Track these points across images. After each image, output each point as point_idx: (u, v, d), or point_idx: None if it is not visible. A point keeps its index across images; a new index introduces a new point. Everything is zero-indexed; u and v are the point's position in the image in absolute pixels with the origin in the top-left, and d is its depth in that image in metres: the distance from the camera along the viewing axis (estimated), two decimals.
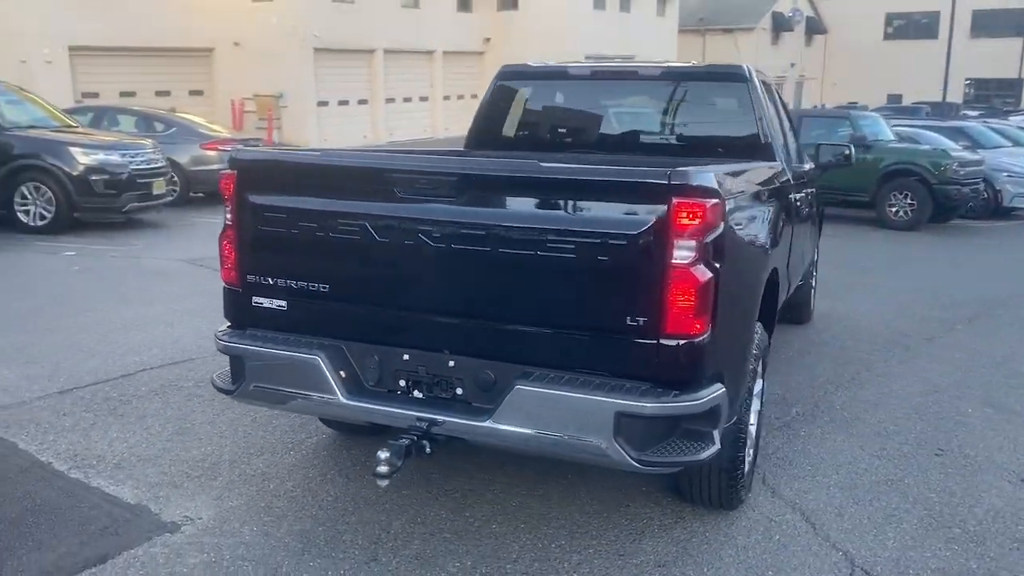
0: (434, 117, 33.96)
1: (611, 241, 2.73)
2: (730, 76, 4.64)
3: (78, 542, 3.21)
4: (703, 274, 2.71)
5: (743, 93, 4.57)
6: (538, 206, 2.82)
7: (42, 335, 5.88)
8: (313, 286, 3.15)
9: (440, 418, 2.94)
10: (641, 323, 2.74)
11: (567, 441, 2.79)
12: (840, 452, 4.34)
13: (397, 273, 3.02)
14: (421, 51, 32.58)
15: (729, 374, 3.00)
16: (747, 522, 3.57)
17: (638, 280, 2.72)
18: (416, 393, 3.09)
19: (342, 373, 3.08)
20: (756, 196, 3.51)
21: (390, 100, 31.55)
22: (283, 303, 3.21)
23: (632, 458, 2.73)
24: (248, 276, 3.25)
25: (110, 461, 3.93)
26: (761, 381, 3.86)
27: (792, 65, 47.93)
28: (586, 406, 2.75)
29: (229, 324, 3.36)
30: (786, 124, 5.39)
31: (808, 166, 6.12)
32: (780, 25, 46.29)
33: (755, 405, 3.84)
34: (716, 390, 2.86)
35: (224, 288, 3.34)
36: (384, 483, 2.85)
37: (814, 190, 6.18)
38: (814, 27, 49.94)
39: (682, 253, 2.68)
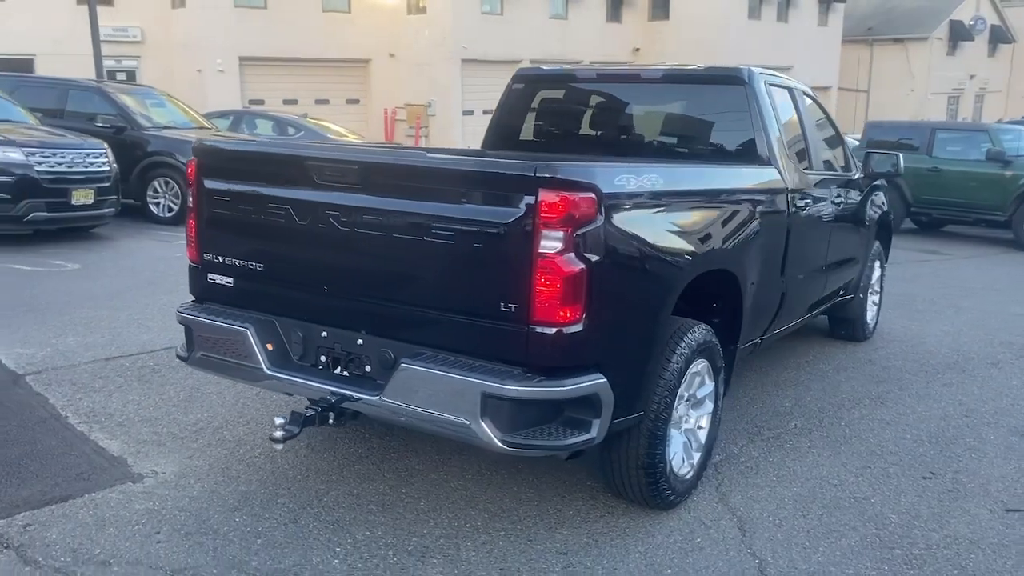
0: None
1: (486, 230, 2.86)
2: (728, 79, 4.58)
3: (53, 483, 3.65)
4: (571, 265, 2.78)
5: (740, 96, 4.51)
6: (424, 195, 2.98)
7: (117, 311, 6.54)
8: (251, 265, 3.44)
9: (343, 392, 3.14)
10: (513, 310, 2.84)
11: (441, 418, 2.93)
12: (817, 467, 4.20)
13: (314, 255, 3.26)
14: (567, 61, 32.87)
15: (616, 366, 3.03)
16: (676, 523, 3.56)
17: (509, 268, 2.82)
18: (336, 369, 3.31)
19: (268, 346, 3.35)
20: (686, 196, 3.50)
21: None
22: (230, 280, 3.52)
23: (497, 438, 2.83)
24: (204, 254, 3.59)
25: (116, 419, 4.39)
26: (713, 384, 3.82)
27: (971, 77, 44.80)
28: (456, 386, 2.88)
29: (192, 298, 3.71)
30: (815, 131, 5.22)
31: (857, 175, 5.92)
32: (959, 34, 43.34)
33: (705, 408, 3.81)
34: (591, 379, 2.92)
35: (188, 265, 3.69)
36: (279, 447, 3.09)
37: (863, 199, 5.95)
38: (999, 36, 46.41)
39: (548, 243, 2.76)
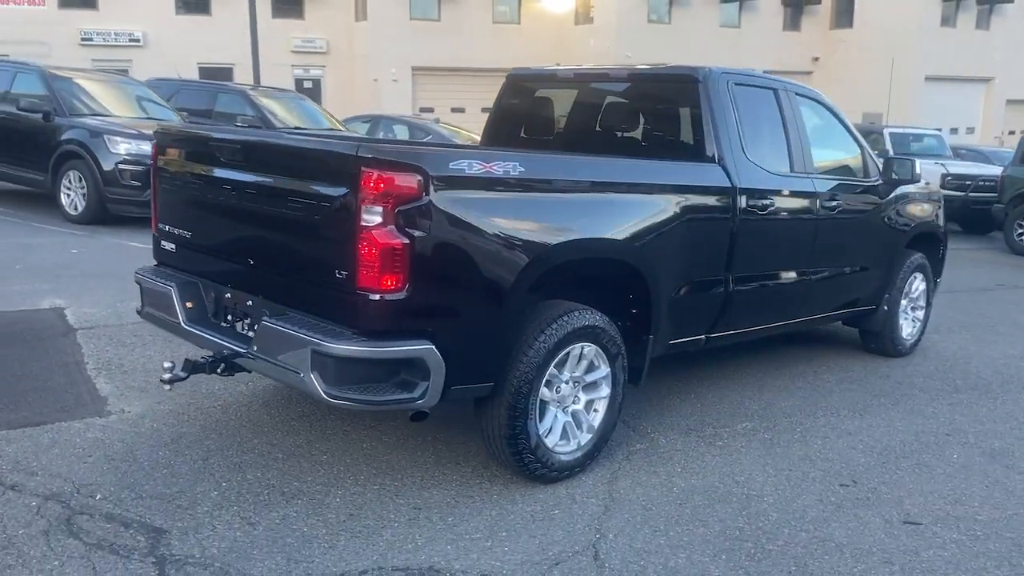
0: None
1: (323, 204, 3.22)
2: (682, 78, 4.65)
3: (39, 411, 4.35)
4: (390, 238, 3.07)
5: (694, 95, 4.57)
6: (280, 171, 3.39)
7: None
8: (183, 232, 3.98)
9: (229, 346, 3.60)
10: (344, 277, 3.17)
11: (284, 370, 3.31)
12: (734, 465, 4.20)
13: (218, 224, 3.75)
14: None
15: (449, 336, 3.27)
16: (547, 495, 3.72)
17: (341, 239, 3.16)
18: (237, 327, 3.78)
19: (188, 304, 3.86)
20: (555, 185, 3.65)
21: None
22: (172, 246, 4.08)
23: (322, 390, 3.18)
24: (159, 224, 4.17)
25: (123, 369, 5.09)
26: (609, 369, 3.94)
27: None
28: (294, 342, 3.25)
29: (155, 262, 4.31)
30: (807, 134, 5.13)
31: (877, 181, 5.74)
32: None
33: (600, 392, 3.94)
34: (415, 345, 3.19)
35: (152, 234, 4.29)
36: (167, 387, 3.59)
37: (884, 206, 5.74)
38: None
39: (369, 217, 3.07)
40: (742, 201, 4.56)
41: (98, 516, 3.34)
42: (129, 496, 3.51)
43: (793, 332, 6.04)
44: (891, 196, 5.86)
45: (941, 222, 6.57)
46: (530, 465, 3.71)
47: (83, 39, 26.73)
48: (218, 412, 4.49)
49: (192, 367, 3.57)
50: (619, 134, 4.98)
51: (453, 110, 30.17)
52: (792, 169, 5.03)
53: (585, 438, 3.94)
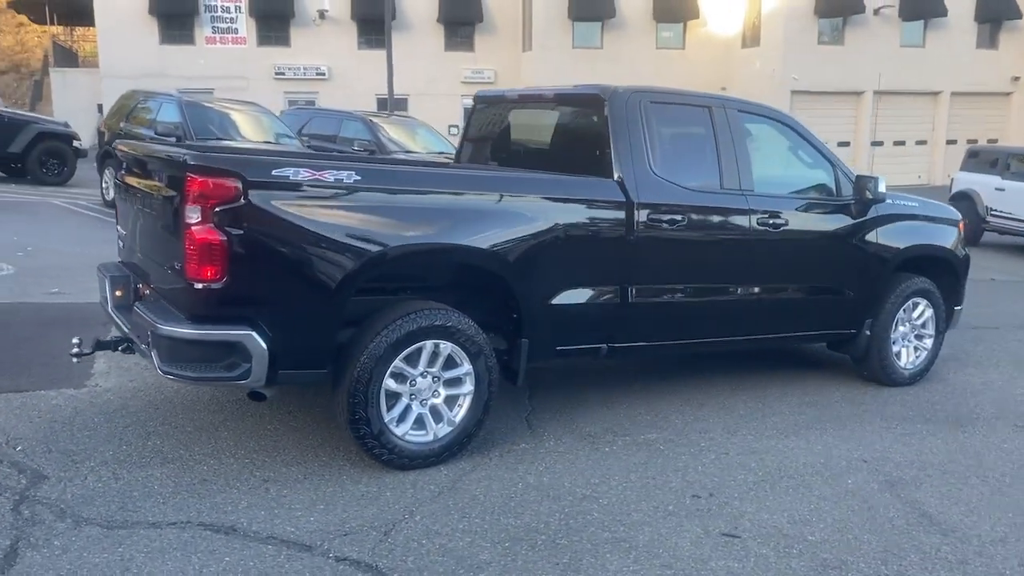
0: (933, 162, 31.28)
1: (168, 204, 3.78)
2: (589, 98, 4.84)
3: (28, 379, 5.18)
4: (207, 234, 3.56)
5: (600, 114, 4.75)
6: (151, 178, 3.98)
7: None
8: (121, 232, 4.68)
9: (124, 329, 4.22)
10: (179, 268, 3.70)
11: (144, 349, 3.87)
12: (599, 469, 4.31)
13: (132, 223, 4.40)
14: (922, 92, 30.32)
15: (273, 325, 3.70)
16: (388, 479, 4.03)
17: (177, 235, 3.69)
18: None
19: (118, 292, 4.53)
20: (395, 192, 3.97)
21: (877, 143, 30.03)
22: (121, 244, 4.80)
23: (158, 366, 3.71)
24: (117, 226, 4.91)
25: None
26: (471, 367, 4.20)
27: None
28: (144, 325, 3.81)
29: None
30: (745, 151, 5.11)
31: (850, 200, 5.59)
32: None
33: (463, 388, 4.20)
34: (235, 330, 3.65)
35: None
36: (75, 360, 4.26)
37: (858, 226, 5.57)
38: None
39: (191, 216, 3.58)
40: (642, 215, 4.66)
41: (6, 462, 4.04)
42: (42, 449, 4.20)
43: (754, 349, 5.97)
44: (869, 216, 5.64)
45: (951, 244, 6.18)
46: (374, 450, 4.04)
47: (276, 73, 29.48)
48: (171, 391, 5.14)
49: (97, 345, 4.22)
50: (545, 151, 5.23)
51: None
52: (722, 186, 5.04)
53: (444, 431, 4.21)
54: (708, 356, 6.42)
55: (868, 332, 5.83)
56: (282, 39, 29.67)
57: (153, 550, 3.31)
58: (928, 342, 6.17)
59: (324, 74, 30.05)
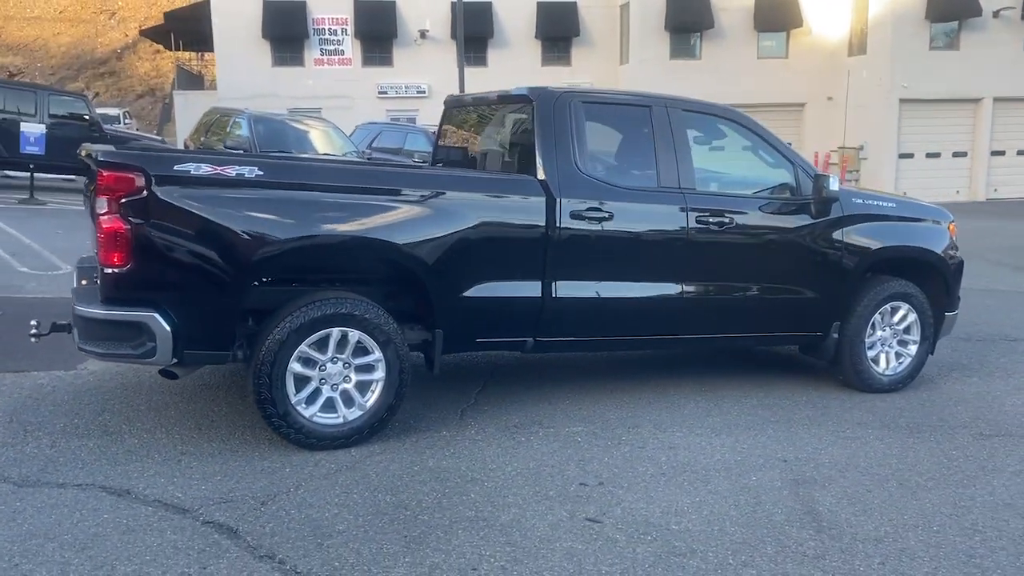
0: None
1: (93, 195, 4.16)
2: (519, 99, 4.98)
3: (28, 362, 5.73)
4: (112, 223, 3.93)
5: (529, 114, 4.89)
6: (89, 176, 4.38)
7: None
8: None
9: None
10: (97, 254, 4.08)
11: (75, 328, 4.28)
12: (505, 456, 4.43)
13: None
14: None
15: (176, 308, 4.03)
16: (295, 456, 4.29)
17: (94, 224, 4.07)
18: None
19: (83, 281, 4.99)
20: (272, 185, 4.20)
21: (997, 153, 28.36)
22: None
23: (78, 343, 4.10)
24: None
25: None
26: (382, 354, 4.41)
27: None
28: (71, 305, 4.22)
29: None
30: (678, 149, 5.13)
31: (809, 199, 5.51)
32: None
33: (375, 375, 4.41)
34: (139, 312, 4.00)
35: None
36: (33, 340, 4.72)
37: (819, 227, 5.47)
38: None
39: (100, 207, 3.96)
40: (565, 213, 4.77)
41: None
42: (4, 420, 4.69)
43: (708, 349, 5.94)
44: (833, 216, 5.51)
45: (936, 245, 5.92)
46: (280, 429, 4.31)
47: (380, 92, 30.62)
48: (145, 376, 5.57)
49: (53, 327, 4.68)
50: (494, 151, 5.40)
51: (711, 149, 29.98)
52: (660, 184, 5.07)
53: (355, 414, 4.44)
54: (693, 356, 6.41)
55: (836, 335, 5.68)
56: (385, 59, 30.79)
57: (45, 506, 3.67)
58: (912, 348, 5.93)
59: (424, 92, 30.95)
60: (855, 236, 5.61)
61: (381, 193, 4.44)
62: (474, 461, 4.36)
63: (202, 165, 4.07)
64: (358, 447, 4.46)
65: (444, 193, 4.56)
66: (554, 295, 4.83)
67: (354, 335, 4.36)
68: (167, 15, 33.71)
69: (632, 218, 4.98)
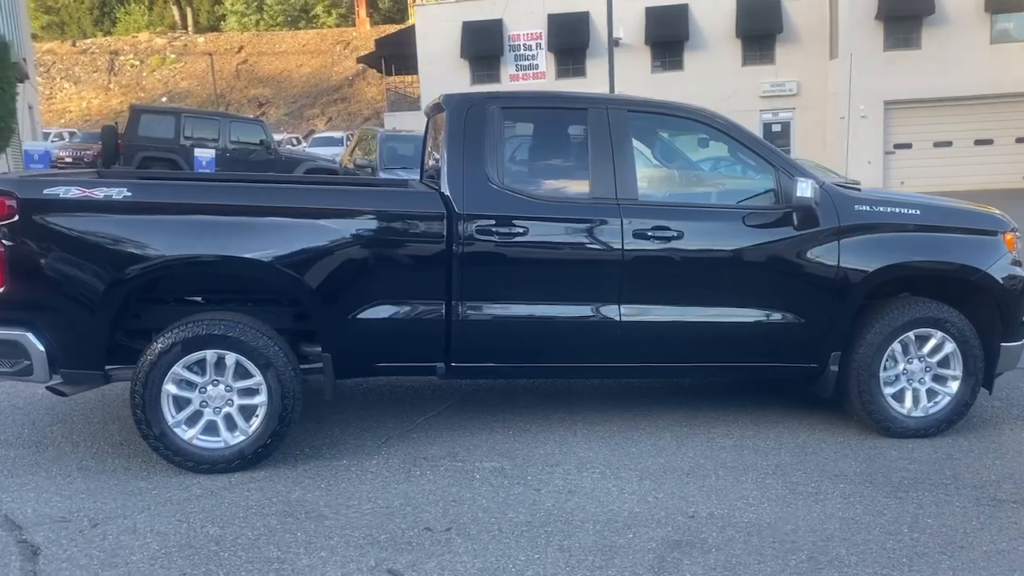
0: None
1: None
2: (437, 107, 4.64)
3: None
4: None
5: (442, 122, 4.57)
6: None
7: None
8: None
9: None
10: None
11: None
12: (361, 486, 4.13)
13: None
14: None
15: (50, 329, 4.14)
16: (175, 478, 4.26)
17: None
18: None
19: None
20: (141, 207, 4.19)
21: None
22: None
23: None
24: None
25: None
26: (262, 377, 4.27)
27: None
28: None
29: None
30: (622, 156, 4.54)
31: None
32: None
33: (258, 398, 4.29)
34: (13, 331, 4.13)
35: None
36: None
37: (802, 240, 4.67)
38: None
39: None
40: (469, 228, 4.39)
41: None
42: None
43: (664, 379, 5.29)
44: (826, 226, 4.65)
45: (982, 261, 4.79)
46: (158, 449, 4.29)
47: None
48: (97, 393, 5.66)
49: None
50: (432, 164, 5.10)
51: (936, 144, 27.15)
52: (592, 195, 4.54)
53: (238, 439, 4.33)
54: (694, 385, 5.72)
55: (835, 368, 4.78)
56: (578, 70, 30.79)
57: None
58: (952, 385, 4.86)
59: None
60: (855, 250, 4.69)
61: (252, 212, 4.31)
62: (339, 496, 4.09)
63: (71, 188, 4.15)
64: (241, 473, 4.34)
65: (323, 209, 4.35)
66: (461, 318, 4.46)
67: (232, 357, 4.26)
68: (378, 42, 35.93)
69: (551, 234, 4.50)
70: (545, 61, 30.78)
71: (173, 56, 49.16)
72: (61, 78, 47.71)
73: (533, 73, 30.86)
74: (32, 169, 13.59)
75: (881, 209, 4.77)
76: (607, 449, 4.67)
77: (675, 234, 4.54)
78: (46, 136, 28.86)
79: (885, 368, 4.81)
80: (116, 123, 18.18)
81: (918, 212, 4.83)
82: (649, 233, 4.52)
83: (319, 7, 57.67)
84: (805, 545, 3.59)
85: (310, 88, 46.43)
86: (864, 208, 4.74)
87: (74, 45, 51.23)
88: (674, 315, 4.63)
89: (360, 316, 4.39)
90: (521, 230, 4.42)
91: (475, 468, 4.42)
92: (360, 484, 4.23)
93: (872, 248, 4.71)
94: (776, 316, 4.69)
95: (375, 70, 38.80)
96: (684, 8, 29.80)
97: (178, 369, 4.24)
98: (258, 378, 4.29)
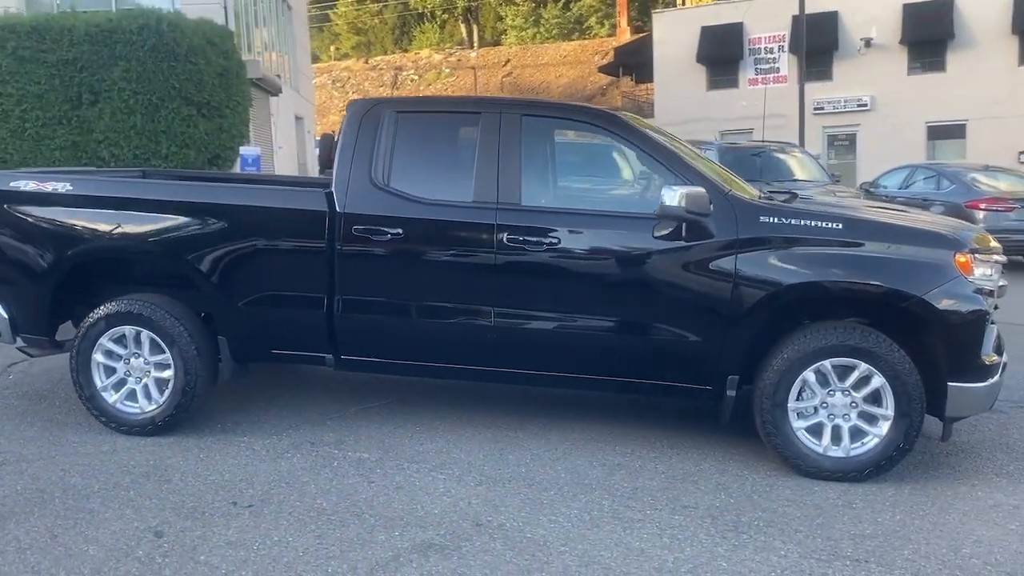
0: None
1: None
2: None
3: None
4: None
5: None
6: None
7: None
8: None
9: None
10: None
11: None
12: (276, 472, 4.44)
13: None
14: None
15: (8, 299, 4.94)
16: (102, 435, 4.90)
17: None
18: None
19: None
20: (82, 199, 4.79)
21: None
22: None
23: None
24: None
25: None
26: (168, 353, 4.78)
27: None
28: None
29: None
30: (508, 162, 4.48)
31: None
32: None
33: (169, 372, 4.80)
34: None
35: None
36: None
37: (698, 249, 4.35)
38: None
39: None
40: (348, 227, 4.59)
41: None
42: None
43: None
44: (721, 238, 4.28)
45: (926, 287, 4.11)
46: (91, 411, 4.91)
47: (815, 108, 28.76)
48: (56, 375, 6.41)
49: None
50: None
51: None
52: (475, 198, 4.54)
53: (151, 407, 4.86)
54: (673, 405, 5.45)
55: (731, 392, 4.36)
56: (823, 73, 28.95)
57: None
58: (883, 426, 4.23)
59: (866, 105, 28.39)
60: (755, 265, 4.25)
61: (159, 207, 4.81)
62: (199, 466, 4.40)
63: (30, 182, 4.93)
64: (155, 437, 4.86)
65: (217, 203, 4.76)
66: (340, 313, 4.67)
67: (145, 334, 4.81)
68: (616, 50, 36.09)
69: (425, 235, 4.55)
70: (786, 64, 29.26)
71: (447, 71, 52.78)
72: (352, 92, 53.03)
73: (773, 77, 29.44)
74: (246, 171, 15.30)
75: (791, 221, 4.27)
76: (479, 453, 4.62)
77: (553, 240, 4.41)
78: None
79: (800, 399, 4.31)
80: (334, 132, 19.97)
81: (839, 226, 4.26)
82: (524, 238, 4.43)
83: (592, 19, 58.79)
84: (568, 561, 3.39)
85: (565, 98, 47.68)
86: (769, 220, 4.28)
87: (366, 62, 56.72)
88: (549, 323, 4.50)
89: (249, 304, 4.75)
90: (397, 231, 4.54)
91: (343, 457, 4.59)
92: (228, 459, 4.57)
93: (777, 264, 4.24)
94: (660, 331, 4.38)
95: (611, 77, 39.08)
96: (948, 4, 26.97)
97: (104, 341, 4.86)
98: (167, 354, 4.80)
